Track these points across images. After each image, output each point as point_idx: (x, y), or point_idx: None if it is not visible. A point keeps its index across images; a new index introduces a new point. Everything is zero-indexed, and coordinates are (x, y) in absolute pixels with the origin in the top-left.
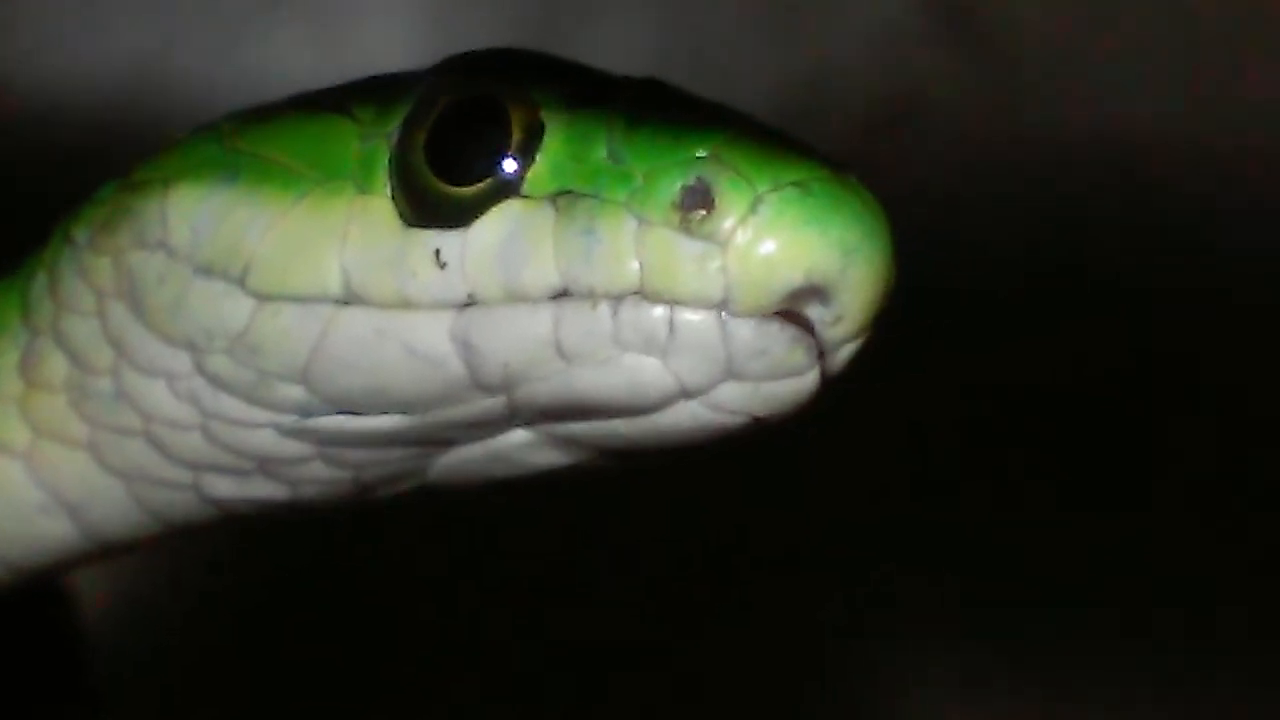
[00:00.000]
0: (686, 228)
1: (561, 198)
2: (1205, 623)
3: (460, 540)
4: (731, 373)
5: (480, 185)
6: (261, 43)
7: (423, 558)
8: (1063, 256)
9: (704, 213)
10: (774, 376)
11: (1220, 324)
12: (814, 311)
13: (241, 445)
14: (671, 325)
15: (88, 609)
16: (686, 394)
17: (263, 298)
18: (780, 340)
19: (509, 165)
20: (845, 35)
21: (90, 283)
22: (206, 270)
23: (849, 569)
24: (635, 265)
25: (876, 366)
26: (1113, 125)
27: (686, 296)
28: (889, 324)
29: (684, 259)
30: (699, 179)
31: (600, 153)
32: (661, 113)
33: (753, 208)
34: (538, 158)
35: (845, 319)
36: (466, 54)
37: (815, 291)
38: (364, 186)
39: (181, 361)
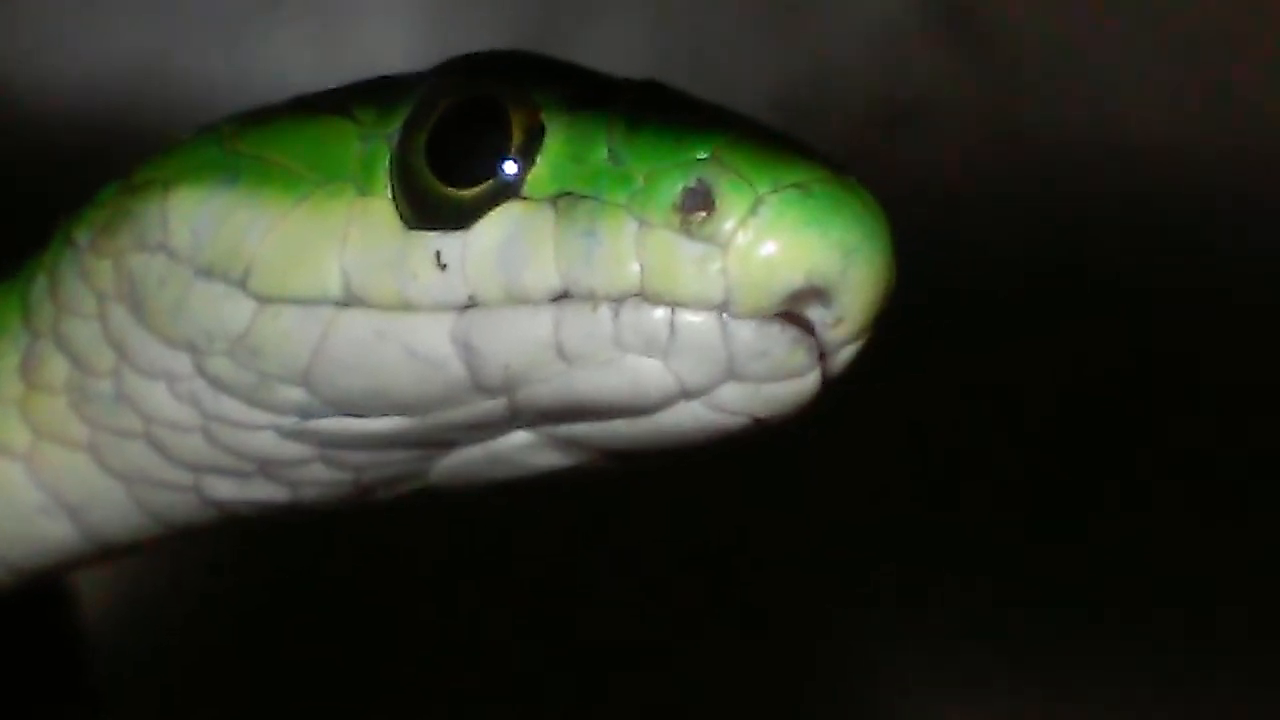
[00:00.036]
0: (687, 229)
1: (562, 199)
2: (1205, 623)
3: (460, 540)
4: (732, 374)
5: (481, 187)
6: (262, 44)
7: (423, 558)
8: (1063, 256)
9: (704, 214)
10: (775, 377)
11: (1220, 324)
12: (814, 313)
13: (242, 447)
14: (672, 327)
15: (88, 609)
16: (687, 395)
17: (263, 300)
18: (781, 341)
19: (509, 167)
20: (845, 35)
21: (91, 285)
22: (207, 272)
23: (849, 569)
24: (636, 267)
25: (877, 367)
26: (1112, 125)
27: (687, 298)
28: (889, 325)
29: (685, 261)
30: (699, 181)
31: (601, 154)
32: (662, 115)
33: (753, 209)
34: (538, 160)
35: (846, 320)
36: (467, 56)
37: (816, 293)
38: (364, 188)
39: (182, 363)
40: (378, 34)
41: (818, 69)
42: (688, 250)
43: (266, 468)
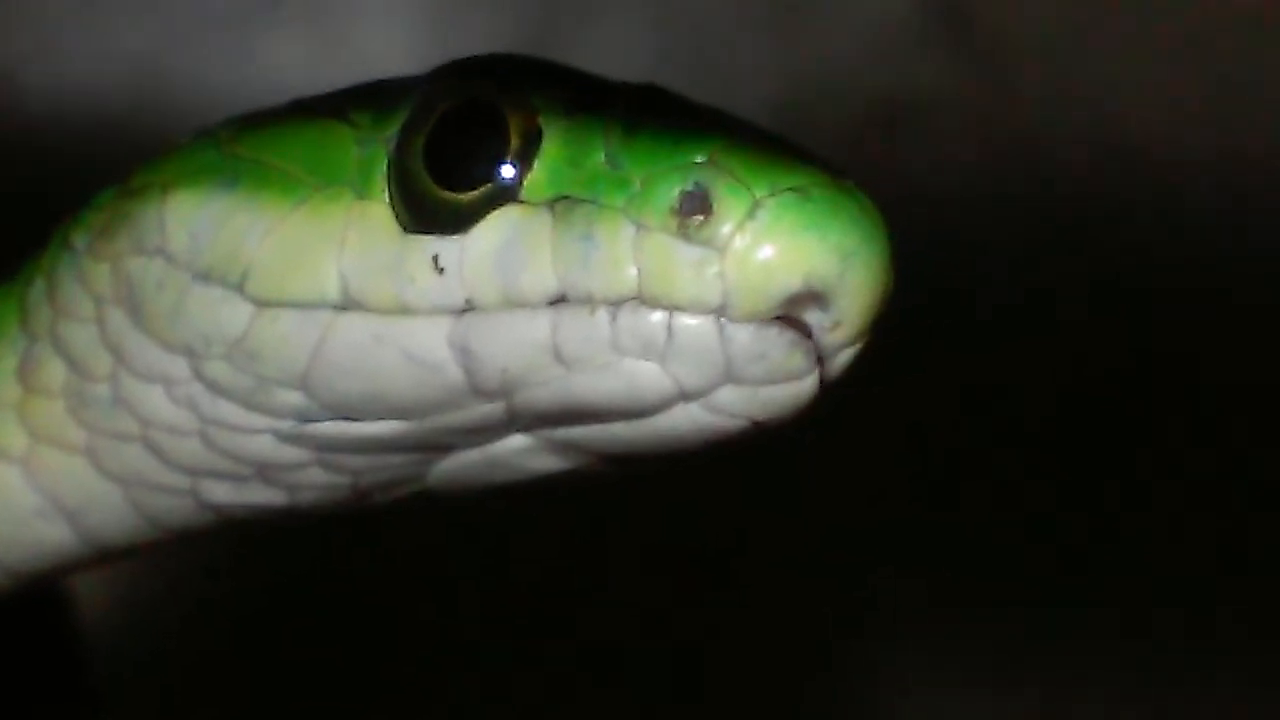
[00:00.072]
0: (684, 233)
1: (559, 203)
2: (1205, 623)
3: (459, 542)
4: (730, 377)
5: (478, 191)
6: (260, 47)
7: (421, 559)
8: (1062, 257)
9: (702, 218)
10: (773, 380)
11: (1220, 324)
12: (812, 316)
13: (240, 451)
14: (670, 330)
15: (86, 611)
16: (685, 397)
17: (261, 304)
18: (779, 345)
19: (507, 171)
20: (844, 36)
21: (88, 289)
22: (205, 276)
23: (849, 570)
24: (633, 271)
25: (876, 368)
26: (1112, 126)
27: (685, 302)
28: (889, 325)
29: (682, 264)
30: (697, 184)
31: (598, 158)
32: (659, 118)
33: (751, 213)
34: (536, 164)
35: (844, 324)
36: (464, 59)
37: (814, 297)
38: (362, 192)
39: (180, 367)
40: (376, 36)
41: (817, 70)
42: (685, 254)
43: (264, 471)
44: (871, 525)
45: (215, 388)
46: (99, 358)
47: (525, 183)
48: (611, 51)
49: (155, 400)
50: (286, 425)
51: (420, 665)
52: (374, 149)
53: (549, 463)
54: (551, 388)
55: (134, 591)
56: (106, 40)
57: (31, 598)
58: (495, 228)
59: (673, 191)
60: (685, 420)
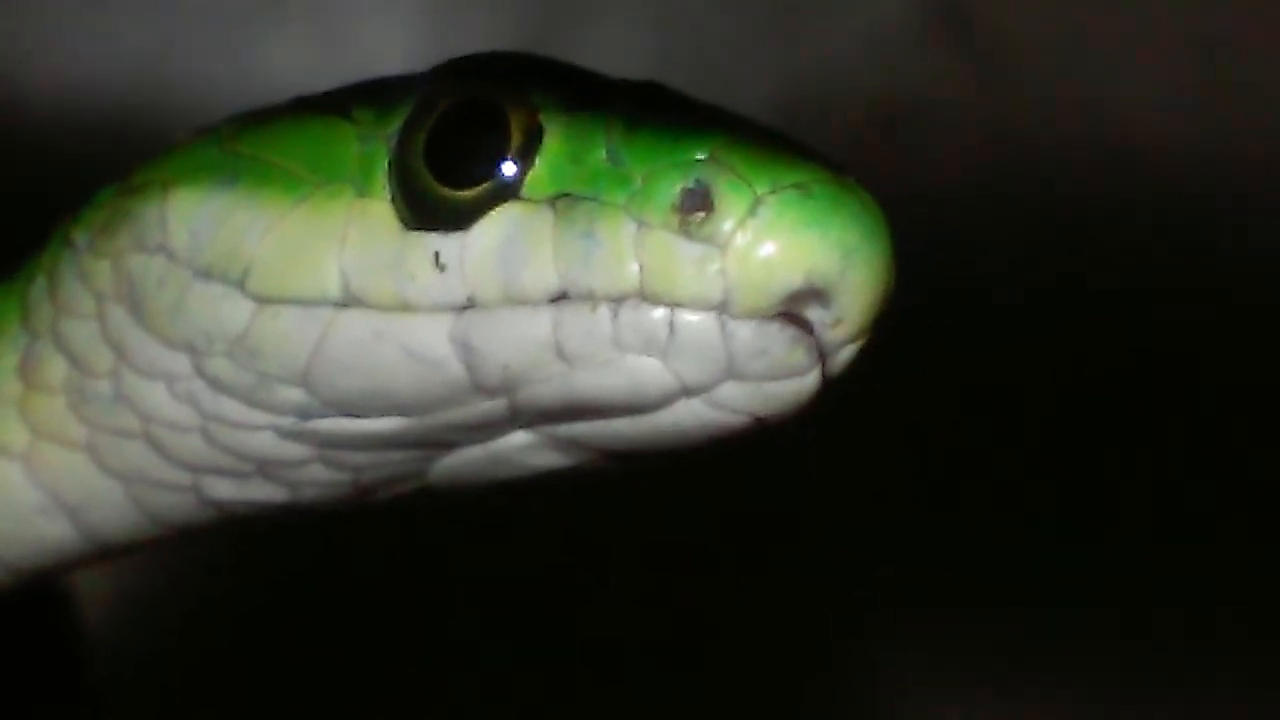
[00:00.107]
0: (686, 230)
1: (561, 200)
2: (1205, 623)
3: (460, 541)
4: (732, 373)
5: (479, 188)
6: (262, 45)
7: (423, 558)
8: (1062, 257)
9: (703, 215)
10: (775, 376)
11: (1220, 324)
12: (814, 313)
13: (241, 447)
14: (672, 326)
15: (87, 610)
16: (688, 393)
17: (262, 300)
18: (780, 341)
19: (508, 168)
20: (845, 37)
21: (90, 286)
22: (206, 273)
23: (849, 569)
24: (635, 268)
25: (877, 368)
26: (1112, 126)
27: (686, 298)
28: (889, 326)
29: (683, 261)
30: (698, 181)
31: (599, 155)
32: (660, 115)
33: (752, 210)
34: (537, 161)
35: (845, 321)
36: (465, 57)
37: (815, 293)
38: (363, 189)
39: (181, 364)
40: (377, 35)
41: (818, 70)
42: (686, 251)
43: (265, 468)
44: (872, 524)
45: (216, 384)
46: (100, 354)
47: (526, 180)
48: (611, 52)
49: (156, 397)
50: (287, 422)
51: (420, 664)
52: (375, 146)
53: (551, 459)
54: (553, 384)
55: (134, 588)
56: (108, 39)
57: (33, 595)
58: (496, 225)
59: (674, 188)
60: (688, 416)
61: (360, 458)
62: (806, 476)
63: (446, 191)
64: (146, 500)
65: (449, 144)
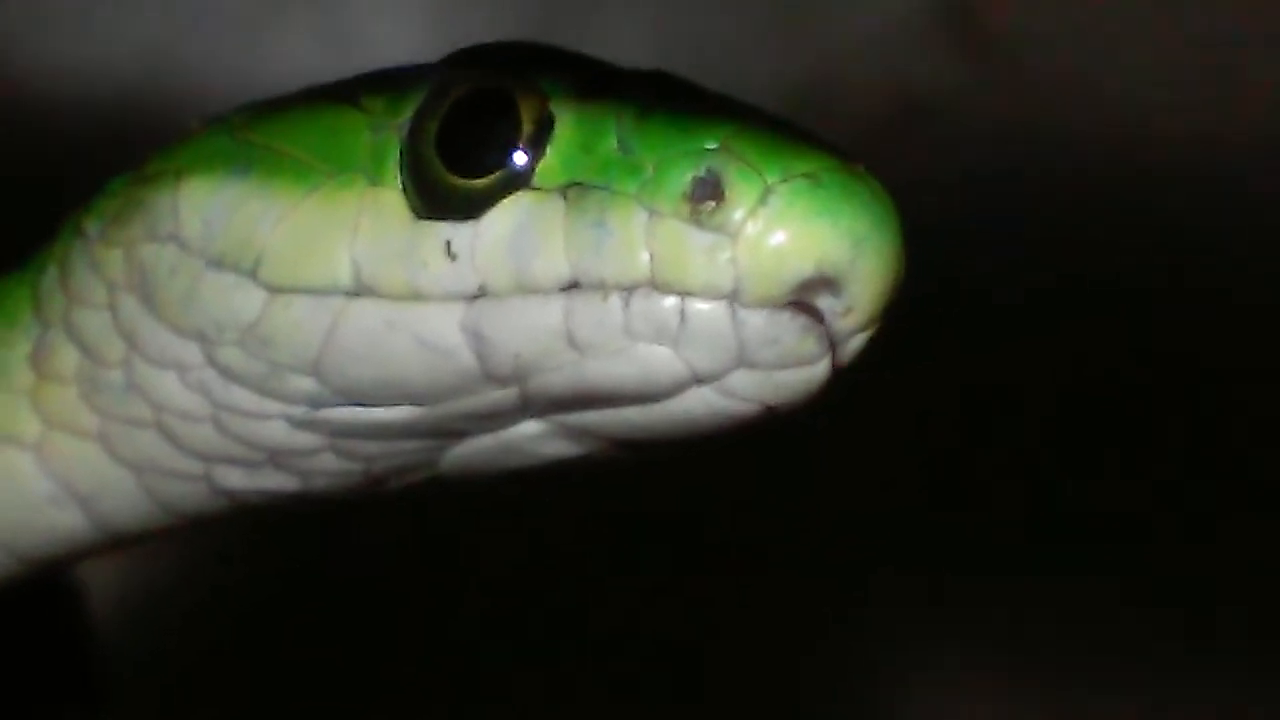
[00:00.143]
0: (697, 219)
1: (572, 189)
2: (1205, 623)
3: (462, 538)
4: (743, 361)
5: (491, 177)
6: (271, 36)
7: (424, 556)
8: (1063, 256)
9: (714, 204)
10: (785, 365)
11: (1220, 324)
12: (824, 302)
13: (252, 437)
14: (683, 315)
15: (99, 606)
16: (698, 381)
17: (274, 290)
18: (791, 329)
19: (519, 157)
20: (848, 35)
21: (102, 275)
22: (218, 262)
23: (849, 568)
24: (646, 257)
25: (882, 363)
26: (1114, 125)
27: (697, 287)
28: (894, 320)
29: (694, 250)
30: (709, 170)
31: (610, 144)
32: (671, 104)
33: (763, 199)
34: (548, 150)
35: (855, 310)
36: (476, 46)
37: (826, 282)
38: (375, 179)
39: (192, 353)
40: (382, 30)
41: (820, 69)
42: (697, 240)
43: (276, 457)
44: (873, 523)
45: (228, 373)
46: (112, 344)
47: (537, 169)
48: (612, 51)
49: (168, 386)
50: (299, 411)
51: (420, 665)
52: (387, 135)
53: (562, 448)
54: (564, 373)
55: (134, 588)
56: (116, 31)
57: (42, 589)
58: (508, 214)
59: (685, 177)
60: (698, 404)
61: (371, 447)
62: (806, 476)
63: (458, 180)
64: (158, 489)
65: (460, 133)
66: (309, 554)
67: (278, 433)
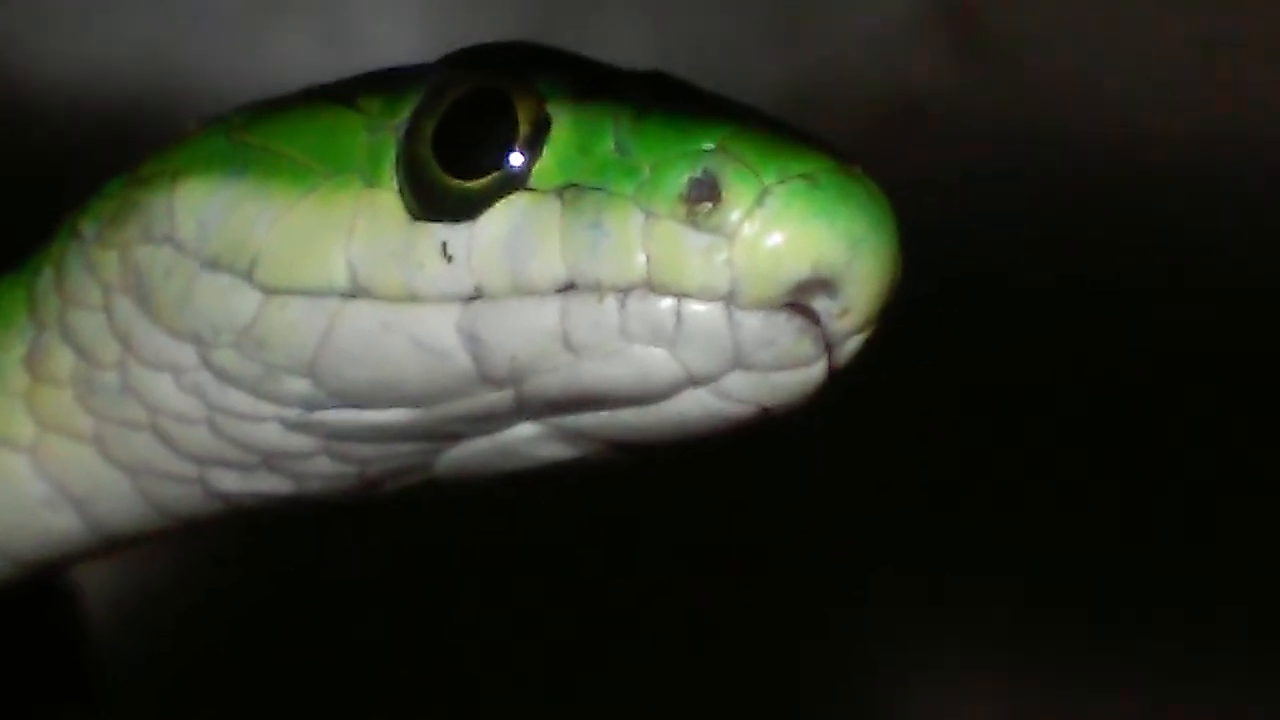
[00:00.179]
0: (693, 220)
1: (568, 191)
2: (1205, 623)
3: (459, 539)
4: (739, 363)
5: (487, 178)
6: (268, 37)
7: (422, 557)
8: (1063, 256)
9: (711, 205)
10: (781, 366)
11: (1220, 324)
12: (821, 304)
13: (247, 439)
14: (679, 316)
15: (94, 608)
16: (695, 382)
17: (270, 291)
18: (787, 331)
19: (516, 158)
20: (848, 35)
21: (97, 277)
22: (213, 264)
23: (849, 569)
24: (642, 258)
25: (879, 365)
26: (1113, 124)
27: (694, 288)
28: (892, 321)
29: (691, 252)
30: (706, 171)
31: (607, 145)
32: (668, 105)
33: (759, 200)
34: (544, 151)
35: (852, 311)
36: (473, 47)
37: (822, 284)
38: (371, 180)
39: (188, 355)
40: (380, 30)
41: (819, 70)
42: (694, 241)
43: (271, 460)
44: (872, 523)
45: (223, 375)
46: (107, 346)
47: (534, 170)
48: (611, 51)
49: (163, 388)
50: (294, 413)
51: (418, 666)
52: (383, 137)
53: (558, 450)
54: (560, 375)
55: (132, 589)
56: (113, 32)
57: (38, 592)
58: (504, 215)
59: (681, 179)
60: (694, 406)
61: (367, 450)
62: (805, 477)
63: (454, 182)
64: (153, 492)
65: (457, 134)
66: (304, 556)
67: (273, 435)
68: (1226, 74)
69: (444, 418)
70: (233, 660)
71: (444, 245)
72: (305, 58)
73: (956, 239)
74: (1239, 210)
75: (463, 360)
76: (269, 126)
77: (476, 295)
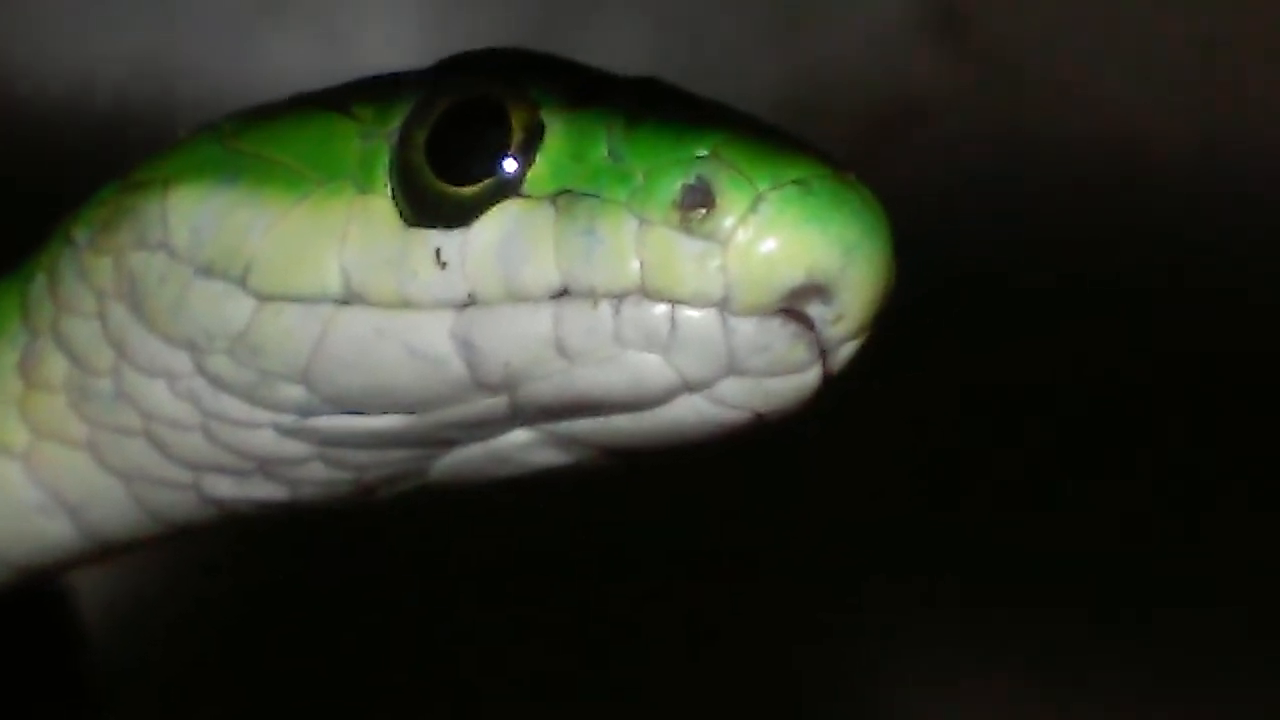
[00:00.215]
0: (687, 227)
1: (562, 197)
2: (1205, 623)
3: (455, 543)
4: (733, 369)
5: (481, 185)
6: (263, 43)
7: (418, 560)
8: (1063, 257)
9: (704, 211)
10: (775, 372)
11: (1220, 324)
12: (815, 309)
13: (242, 445)
14: (673, 323)
15: (89, 612)
16: (689, 388)
17: (264, 298)
18: (781, 337)
19: (509, 165)
20: (845, 38)
21: (90, 284)
22: (207, 270)
23: (847, 570)
24: (636, 264)
25: (877, 366)
26: (1112, 126)
27: (687, 295)
28: (890, 324)
29: (685, 258)
30: (699, 178)
31: (600, 152)
32: (661, 111)
33: (753, 206)
34: (538, 157)
35: (846, 317)
36: (466, 53)
37: (816, 290)
38: (364, 186)
39: (182, 362)
40: (378, 34)
41: (817, 72)
42: (688, 247)
43: (266, 466)
44: (870, 524)
45: (217, 382)
46: (101, 352)
47: (527, 177)
48: (611, 52)
49: (157, 394)
50: (288, 420)
51: (409, 672)
52: (376, 143)
53: (552, 457)
54: (554, 381)
55: (131, 589)
56: (108, 38)
57: (33, 595)
58: (497, 221)
59: (675, 185)
60: (689, 412)
61: (361, 456)
62: (806, 476)
63: (448, 188)
64: (147, 498)
65: (450, 140)
66: (296, 563)
67: (267, 441)
68: (1226, 74)
69: (438, 424)
70: (224, 667)
71: (438, 252)
72: (302, 62)
73: (956, 239)
74: (1239, 210)
75: (457, 366)
76: (262, 133)
77: (470, 302)
